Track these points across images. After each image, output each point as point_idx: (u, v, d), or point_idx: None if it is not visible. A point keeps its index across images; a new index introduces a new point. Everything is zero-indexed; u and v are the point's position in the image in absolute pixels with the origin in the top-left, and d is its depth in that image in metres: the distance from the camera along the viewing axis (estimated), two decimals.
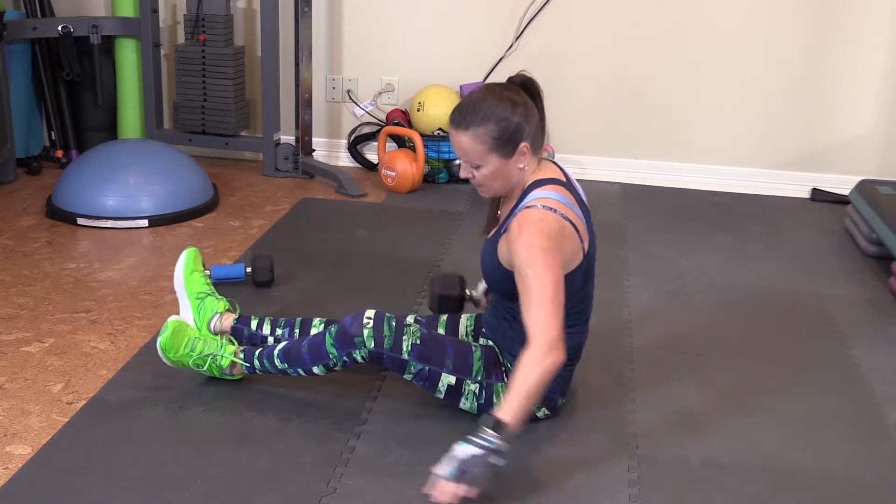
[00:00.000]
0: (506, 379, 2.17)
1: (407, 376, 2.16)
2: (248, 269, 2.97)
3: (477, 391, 2.17)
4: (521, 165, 2.06)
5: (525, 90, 2.07)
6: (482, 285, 2.48)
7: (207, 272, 2.95)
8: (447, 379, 2.15)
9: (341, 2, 4.22)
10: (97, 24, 4.08)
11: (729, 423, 2.29)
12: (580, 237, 2.07)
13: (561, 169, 2.17)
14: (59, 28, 4.03)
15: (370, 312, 2.12)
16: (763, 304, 3.00)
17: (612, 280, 3.11)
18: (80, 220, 3.46)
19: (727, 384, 2.47)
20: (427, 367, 2.13)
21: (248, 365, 2.28)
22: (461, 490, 1.84)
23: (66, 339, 2.60)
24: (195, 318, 2.44)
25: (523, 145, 2.03)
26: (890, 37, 3.91)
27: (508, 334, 2.18)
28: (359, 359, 2.12)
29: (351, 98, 4.33)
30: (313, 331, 2.39)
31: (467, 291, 2.51)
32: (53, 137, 4.25)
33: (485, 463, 1.84)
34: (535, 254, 1.95)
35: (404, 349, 2.11)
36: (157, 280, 3.00)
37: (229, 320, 2.44)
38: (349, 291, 2.97)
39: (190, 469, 2.01)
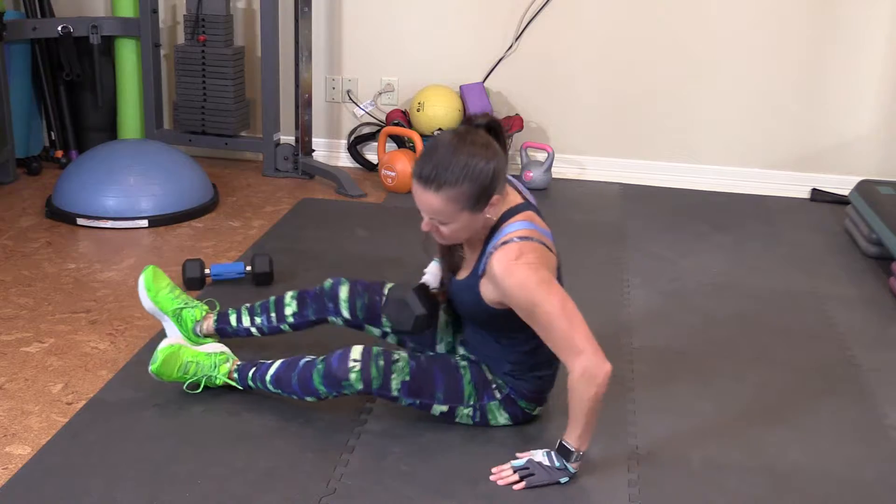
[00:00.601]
0: (498, 396, 2.17)
1: (399, 404, 2.16)
2: (248, 268, 2.97)
3: (471, 413, 2.17)
4: (489, 215, 1.98)
5: (490, 131, 1.98)
6: (430, 277, 2.27)
7: (208, 271, 2.96)
8: (440, 408, 2.15)
9: (341, 2, 4.22)
10: (97, 24, 4.08)
11: (729, 423, 2.29)
12: (553, 252, 2.04)
13: (513, 185, 2.10)
14: (59, 28, 4.03)
15: (356, 353, 2.09)
16: (763, 304, 3.00)
17: (612, 280, 3.11)
18: (80, 221, 3.46)
19: (727, 384, 2.47)
20: (418, 401, 2.14)
21: (241, 388, 2.29)
22: (517, 483, 1.98)
23: (66, 340, 2.60)
24: (180, 330, 2.45)
25: (495, 198, 1.95)
26: (890, 37, 3.91)
27: (493, 354, 2.17)
28: (348, 394, 2.13)
29: (351, 98, 4.33)
30: (287, 310, 2.36)
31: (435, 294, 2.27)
32: (53, 137, 4.25)
33: (551, 476, 1.99)
34: (534, 289, 1.91)
35: (393, 388, 2.11)
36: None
37: (210, 322, 2.45)
38: None
39: (190, 469, 2.01)
